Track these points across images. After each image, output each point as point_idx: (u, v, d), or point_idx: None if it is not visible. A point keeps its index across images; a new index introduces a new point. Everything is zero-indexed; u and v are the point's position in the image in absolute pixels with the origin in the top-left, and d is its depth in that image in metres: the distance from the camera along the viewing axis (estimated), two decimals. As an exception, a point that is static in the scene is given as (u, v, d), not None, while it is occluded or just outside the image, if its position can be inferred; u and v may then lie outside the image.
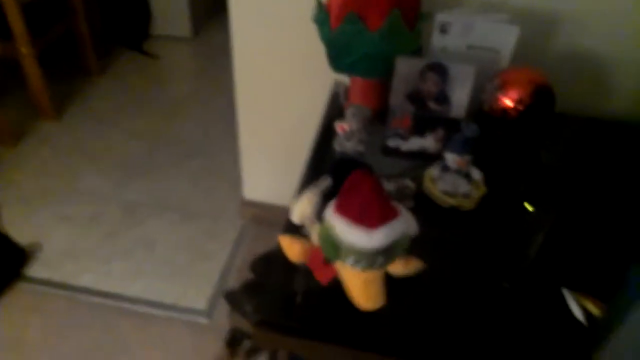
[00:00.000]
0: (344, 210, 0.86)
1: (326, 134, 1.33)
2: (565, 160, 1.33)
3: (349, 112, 1.24)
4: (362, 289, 0.89)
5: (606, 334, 0.87)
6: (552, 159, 1.32)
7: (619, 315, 0.84)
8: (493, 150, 1.31)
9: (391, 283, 0.94)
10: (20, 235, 2.00)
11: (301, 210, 1.05)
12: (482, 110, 1.32)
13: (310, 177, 1.22)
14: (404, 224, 0.88)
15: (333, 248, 0.88)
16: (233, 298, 1.65)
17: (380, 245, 0.85)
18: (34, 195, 2.20)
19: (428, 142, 1.28)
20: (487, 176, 1.19)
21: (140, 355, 1.65)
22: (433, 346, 0.93)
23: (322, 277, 0.95)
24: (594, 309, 0.97)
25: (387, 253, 0.87)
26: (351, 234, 0.85)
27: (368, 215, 0.84)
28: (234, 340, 1.66)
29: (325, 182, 1.12)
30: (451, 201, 1.15)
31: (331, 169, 1.15)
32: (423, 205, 1.17)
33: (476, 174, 1.18)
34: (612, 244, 1.11)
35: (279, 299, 1.00)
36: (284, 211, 1.08)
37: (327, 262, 0.93)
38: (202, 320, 1.76)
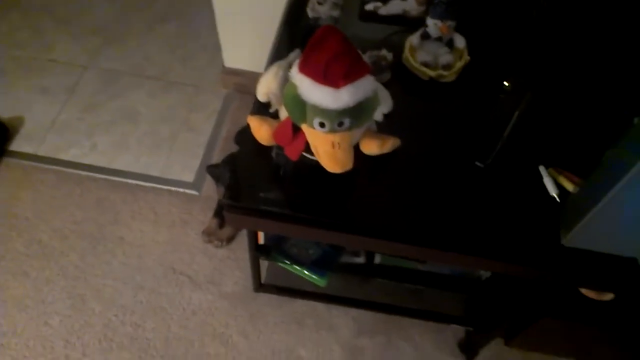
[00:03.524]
0: (309, 69, 0.80)
1: (299, -3, 1.21)
2: (556, 24, 1.21)
3: (320, -29, 1.12)
4: (329, 153, 0.85)
5: (579, 213, 0.86)
6: (543, 22, 1.20)
7: (591, 196, 0.82)
8: (480, 13, 1.20)
9: (367, 162, 0.92)
10: (0, 109, 1.95)
11: (266, 85, 0.99)
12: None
13: (282, 47, 1.14)
14: (372, 83, 0.82)
15: (299, 109, 0.82)
16: (216, 172, 1.66)
17: (346, 105, 0.79)
18: (8, 66, 2.10)
19: (409, 5, 1.16)
20: (471, 44, 1.10)
21: (132, 226, 1.70)
22: (408, 224, 0.94)
23: (292, 153, 0.92)
24: (568, 185, 0.96)
25: (355, 114, 0.81)
26: (316, 94, 0.79)
27: (333, 73, 0.77)
28: (222, 211, 1.70)
29: (295, 54, 1.05)
30: (431, 73, 1.08)
31: (302, 39, 1.06)
32: (401, 78, 1.10)
33: (459, 42, 1.09)
34: (592, 121, 1.06)
35: (245, 182, 0.98)
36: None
37: (295, 131, 0.88)
38: (190, 192, 1.79)
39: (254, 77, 1.94)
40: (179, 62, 2.15)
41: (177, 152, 1.89)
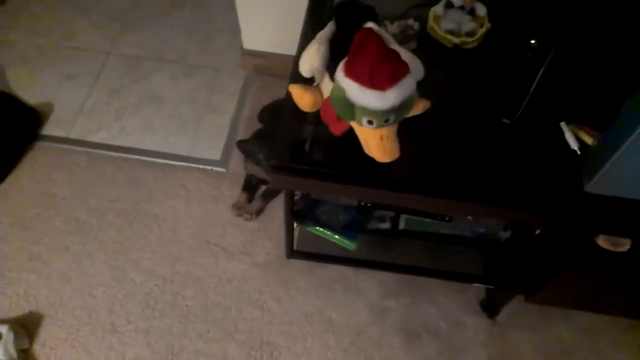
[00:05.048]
0: (355, 74, 0.87)
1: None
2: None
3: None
4: (378, 145, 0.93)
5: (599, 161, 0.93)
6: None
7: (612, 144, 0.90)
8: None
9: (400, 123, 0.99)
10: (29, 96, 2.02)
11: (309, 62, 1.05)
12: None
13: (312, 24, 1.20)
14: (413, 80, 0.90)
15: (347, 110, 0.90)
16: (245, 147, 1.73)
17: (393, 104, 0.87)
18: (33, 54, 2.17)
19: (433, -22, 1.23)
20: (492, 11, 1.17)
21: (165, 203, 1.78)
22: (438, 180, 1.02)
23: (337, 130, 0.99)
24: (588, 139, 1.03)
25: (400, 109, 0.90)
26: (364, 97, 0.87)
27: (379, 77, 0.85)
28: (250, 186, 1.78)
29: (330, 29, 1.11)
30: (455, 40, 1.15)
31: (335, 14, 1.12)
32: (427, 46, 1.17)
33: (481, 10, 1.16)
34: (610, 76, 1.13)
35: (289, 145, 1.06)
36: (287, 60, 1.08)
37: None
38: (218, 169, 1.86)
39: (273, 58, 2.03)
40: (197, 46, 2.22)
41: (202, 132, 1.97)
